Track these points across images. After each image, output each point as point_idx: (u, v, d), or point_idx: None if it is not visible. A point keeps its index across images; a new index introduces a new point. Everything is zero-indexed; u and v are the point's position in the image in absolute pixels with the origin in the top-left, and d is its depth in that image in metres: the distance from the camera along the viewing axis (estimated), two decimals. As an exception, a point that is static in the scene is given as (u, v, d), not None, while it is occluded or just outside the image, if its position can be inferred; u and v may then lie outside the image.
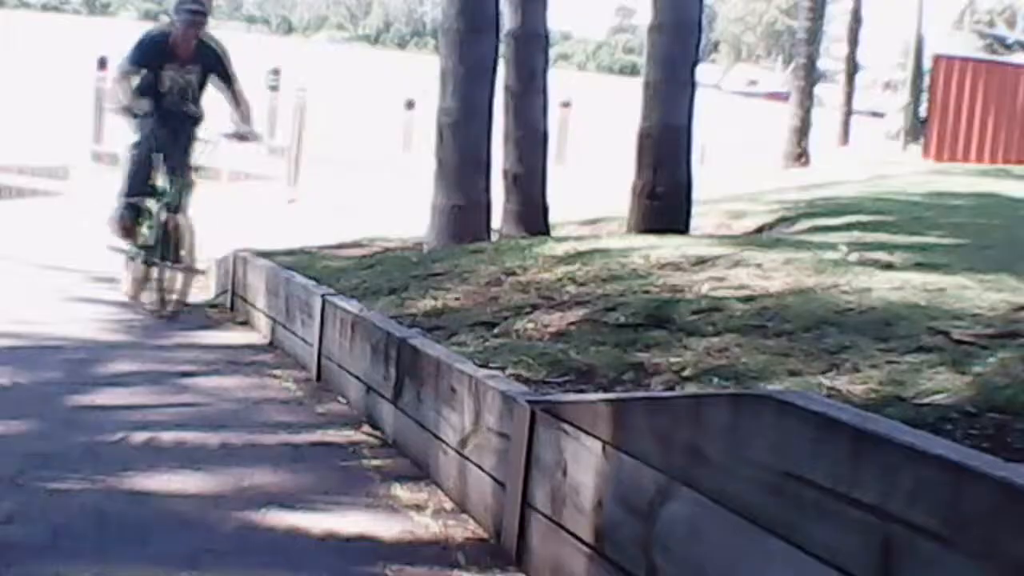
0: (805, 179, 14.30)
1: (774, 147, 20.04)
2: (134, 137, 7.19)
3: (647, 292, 4.49)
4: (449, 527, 3.32)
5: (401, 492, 3.60)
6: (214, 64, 7.16)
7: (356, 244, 8.43)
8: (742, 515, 2.10)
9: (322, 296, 5.24)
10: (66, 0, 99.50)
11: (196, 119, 7.20)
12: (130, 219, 7.16)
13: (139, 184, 7.11)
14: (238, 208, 13.42)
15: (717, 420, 2.22)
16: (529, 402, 3.05)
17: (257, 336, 6.26)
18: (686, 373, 3.40)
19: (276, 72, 20.50)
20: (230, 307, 7.12)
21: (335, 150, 18.66)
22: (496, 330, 4.31)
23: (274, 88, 20.22)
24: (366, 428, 4.34)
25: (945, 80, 18.79)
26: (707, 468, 2.23)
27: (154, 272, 6.98)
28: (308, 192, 15.02)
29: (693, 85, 7.66)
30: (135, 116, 7.04)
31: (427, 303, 4.99)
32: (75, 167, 18.19)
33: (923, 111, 23.01)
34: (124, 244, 7.30)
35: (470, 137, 7.33)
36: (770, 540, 2.01)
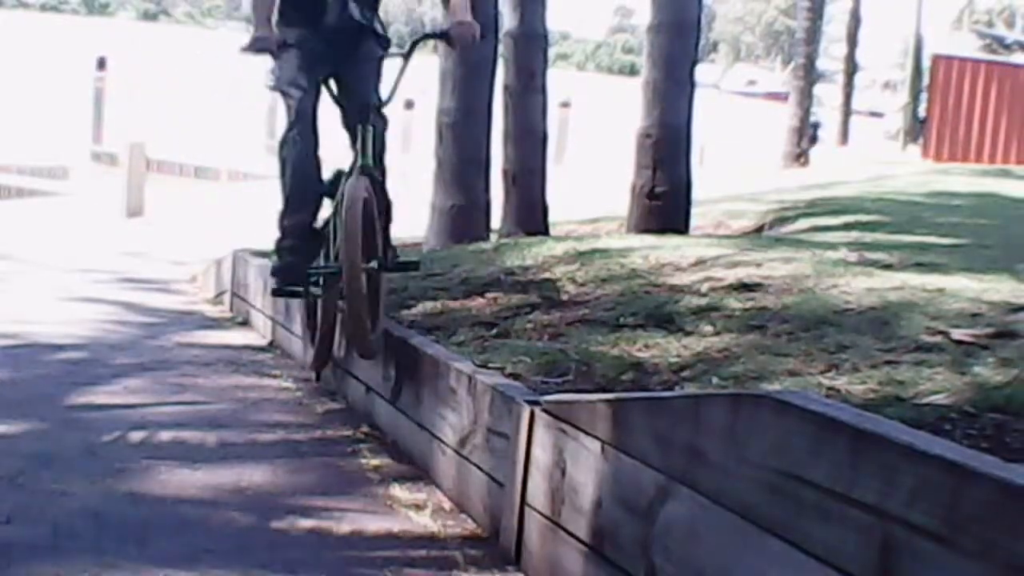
0: (804, 179, 14.31)
1: (773, 147, 20.06)
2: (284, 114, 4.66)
3: (646, 292, 4.49)
4: (448, 527, 3.32)
5: (400, 492, 3.60)
6: None
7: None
8: (741, 515, 2.10)
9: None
10: (65, 0, 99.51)
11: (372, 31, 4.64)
12: (301, 259, 4.51)
13: (305, 189, 4.56)
14: (237, 207, 13.43)
15: (716, 420, 2.22)
16: (528, 402, 3.05)
17: (256, 336, 6.25)
18: (685, 373, 3.40)
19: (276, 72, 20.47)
20: (229, 307, 7.12)
21: (335, 150, 18.67)
22: (495, 330, 4.31)
23: (273, 88, 20.19)
24: (365, 428, 4.34)
25: (944, 80, 18.82)
26: (706, 468, 2.23)
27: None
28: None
29: (692, 85, 7.67)
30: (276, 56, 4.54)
31: (427, 303, 4.99)
32: (74, 167, 18.21)
33: (922, 111, 23.04)
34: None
35: (469, 137, 7.33)
36: (769, 540, 2.01)
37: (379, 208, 4.33)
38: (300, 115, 4.49)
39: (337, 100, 4.55)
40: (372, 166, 4.30)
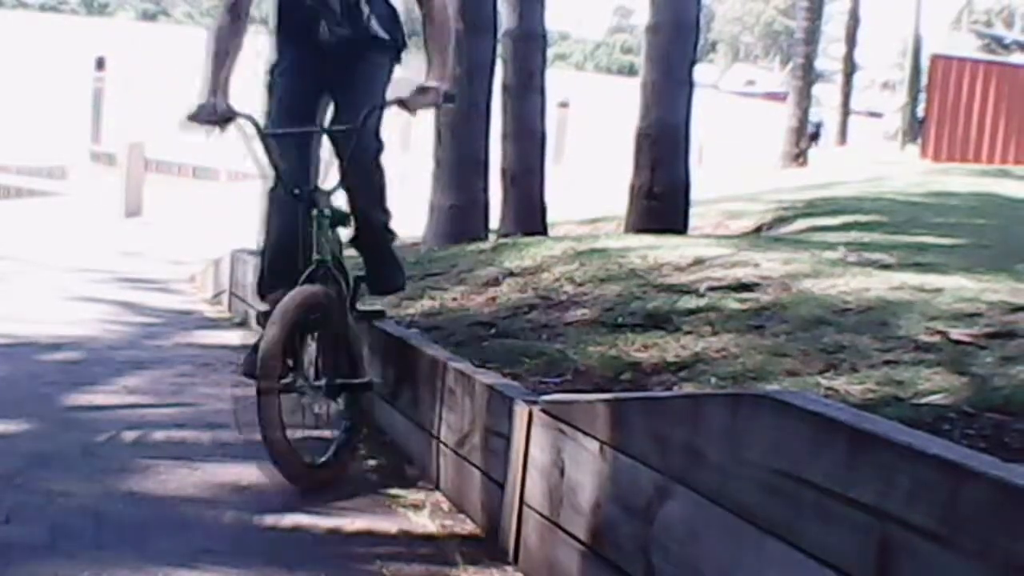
0: (803, 179, 14.31)
1: (772, 147, 20.07)
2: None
3: (645, 292, 4.49)
4: (446, 527, 3.32)
5: (399, 492, 3.60)
6: None
7: (354, 244, 8.42)
8: (740, 515, 2.10)
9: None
10: (64, 0, 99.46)
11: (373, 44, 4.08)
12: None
13: (283, 267, 3.90)
14: (237, 208, 13.42)
15: (715, 420, 2.22)
16: (527, 402, 3.05)
17: (255, 336, 6.24)
18: (683, 373, 3.40)
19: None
20: (228, 307, 7.12)
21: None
22: (494, 330, 4.31)
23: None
24: (364, 428, 4.33)
25: (943, 80, 18.81)
26: (705, 468, 2.23)
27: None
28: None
29: (691, 85, 7.67)
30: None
31: (425, 303, 4.99)
32: (73, 167, 18.21)
33: (921, 111, 23.06)
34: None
35: (468, 137, 7.34)
36: (768, 540, 2.01)
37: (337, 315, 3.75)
38: (285, 165, 3.86)
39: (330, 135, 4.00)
40: (327, 261, 3.77)
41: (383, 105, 3.90)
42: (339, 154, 3.97)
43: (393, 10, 4.16)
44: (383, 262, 4.26)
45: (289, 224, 3.86)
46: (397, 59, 4.17)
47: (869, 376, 3.07)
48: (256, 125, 3.82)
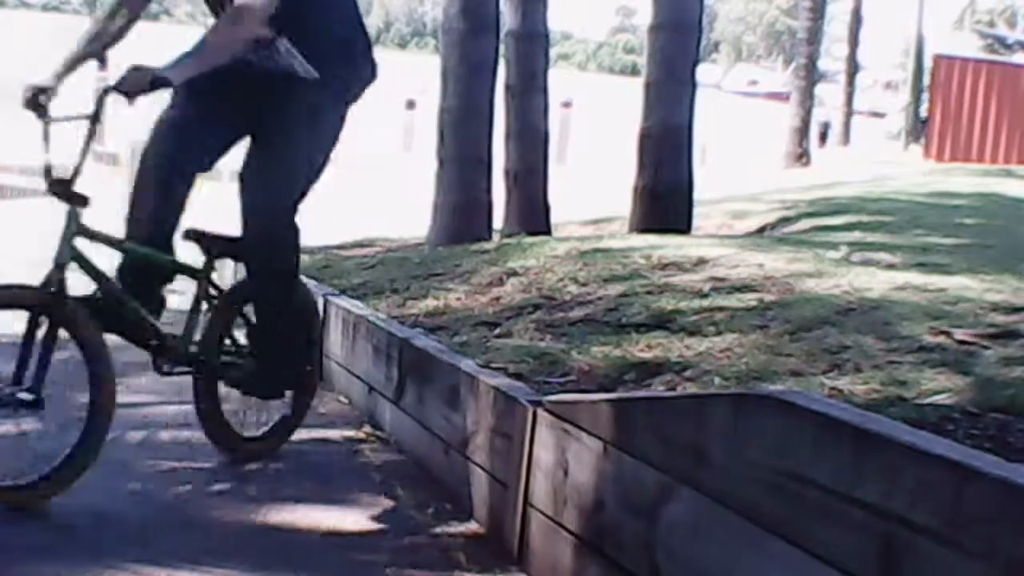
0: (806, 179, 14.30)
1: (774, 147, 20.06)
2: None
3: (648, 292, 4.48)
4: (450, 527, 3.32)
5: (402, 492, 3.60)
6: None
7: (358, 244, 8.44)
8: (744, 515, 2.10)
9: (324, 296, 5.24)
10: (66, 0, 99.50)
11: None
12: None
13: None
14: (237, 207, 13.43)
15: (718, 420, 2.22)
16: (530, 402, 3.05)
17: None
18: (687, 373, 3.40)
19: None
20: (231, 307, 7.11)
21: (335, 150, 18.58)
22: (498, 330, 4.31)
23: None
24: (367, 428, 4.34)
25: (946, 80, 18.82)
26: (708, 468, 2.23)
27: None
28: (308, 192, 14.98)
29: (694, 85, 7.67)
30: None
31: (429, 303, 4.99)
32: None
33: (924, 111, 23.05)
34: None
35: (471, 137, 7.34)
36: (771, 540, 2.01)
37: None
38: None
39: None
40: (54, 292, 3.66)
41: (103, 97, 3.63)
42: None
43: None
44: (264, 353, 3.82)
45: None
46: (340, 86, 3.74)
47: (873, 376, 3.07)
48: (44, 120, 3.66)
